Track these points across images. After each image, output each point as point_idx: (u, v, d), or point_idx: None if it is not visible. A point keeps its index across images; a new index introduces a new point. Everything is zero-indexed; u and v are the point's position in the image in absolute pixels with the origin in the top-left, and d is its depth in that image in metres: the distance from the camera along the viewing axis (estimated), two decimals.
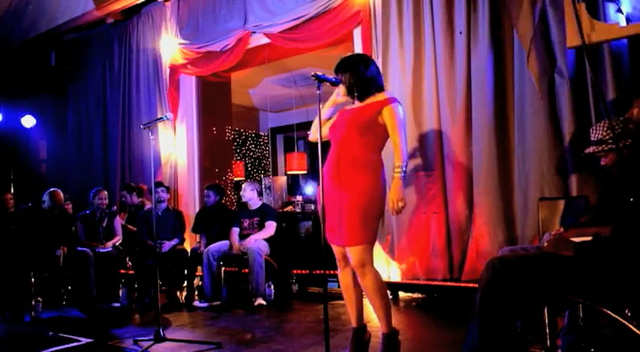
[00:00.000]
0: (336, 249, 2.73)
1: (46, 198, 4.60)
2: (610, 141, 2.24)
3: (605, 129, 2.26)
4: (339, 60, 2.73)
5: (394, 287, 4.39)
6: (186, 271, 5.03)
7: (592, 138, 2.40)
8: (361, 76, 2.65)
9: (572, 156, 3.61)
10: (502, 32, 3.98)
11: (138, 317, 4.32)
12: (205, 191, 5.32)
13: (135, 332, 3.65)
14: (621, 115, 2.44)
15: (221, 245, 4.70)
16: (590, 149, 2.41)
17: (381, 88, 2.71)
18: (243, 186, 4.96)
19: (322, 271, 2.72)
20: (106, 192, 5.21)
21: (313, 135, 2.76)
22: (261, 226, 4.77)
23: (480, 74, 4.02)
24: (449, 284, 4.13)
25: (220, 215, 5.23)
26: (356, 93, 2.67)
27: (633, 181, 2.11)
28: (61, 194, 4.68)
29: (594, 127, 2.39)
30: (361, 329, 2.73)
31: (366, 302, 2.73)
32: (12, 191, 6.74)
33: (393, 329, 2.63)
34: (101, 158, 6.82)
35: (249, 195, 4.87)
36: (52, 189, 4.67)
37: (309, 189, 8.26)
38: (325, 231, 2.67)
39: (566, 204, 3.36)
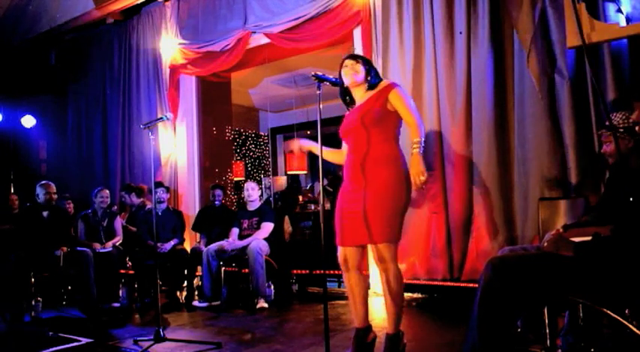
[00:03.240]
0: (341, 252, 2.68)
1: (39, 190, 4.57)
2: (621, 129, 2.24)
3: (621, 119, 2.27)
4: (350, 53, 2.83)
5: None
6: (186, 271, 5.03)
7: (607, 123, 2.40)
8: (372, 67, 2.74)
9: (572, 156, 3.62)
10: (502, 32, 3.98)
11: (138, 317, 4.32)
12: (217, 190, 5.34)
13: (135, 332, 3.64)
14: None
15: (219, 244, 4.69)
16: (601, 131, 2.46)
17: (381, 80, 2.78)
18: (250, 185, 4.92)
19: (322, 271, 2.72)
20: (107, 191, 5.21)
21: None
22: (260, 227, 4.76)
23: (480, 74, 4.02)
24: (449, 284, 4.13)
25: (223, 215, 5.23)
26: (368, 79, 2.69)
27: (633, 181, 2.11)
28: (53, 185, 4.66)
29: (614, 114, 2.39)
30: (364, 330, 2.69)
31: (370, 303, 2.72)
32: (12, 191, 6.74)
33: (399, 331, 2.61)
34: (101, 158, 6.82)
35: (257, 195, 4.86)
36: (42, 182, 4.64)
37: None
38: (337, 232, 2.66)
39: (566, 204, 3.36)
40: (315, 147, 2.72)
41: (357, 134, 2.64)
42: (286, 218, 5.28)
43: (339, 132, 2.78)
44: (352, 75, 2.66)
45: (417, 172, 2.46)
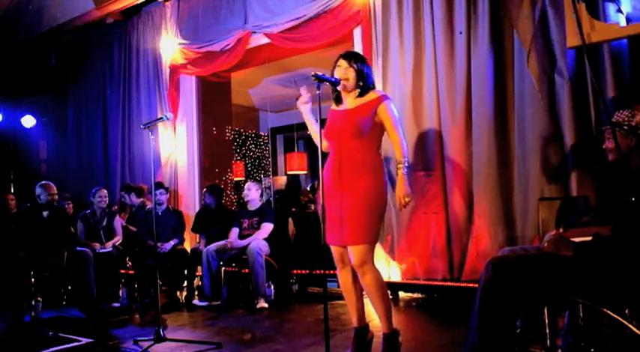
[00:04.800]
0: (334, 250, 2.73)
1: (39, 191, 4.54)
2: (625, 127, 2.23)
3: (627, 116, 2.26)
4: (347, 51, 2.78)
5: (394, 287, 4.39)
6: (186, 271, 5.03)
7: (612, 119, 2.39)
8: (367, 69, 2.71)
9: (572, 156, 3.61)
10: (502, 32, 3.98)
11: (138, 317, 4.32)
12: (205, 193, 5.36)
13: (135, 332, 3.65)
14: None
15: (219, 244, 4.69)
16: (605, 127, 2.44)
17: (373, 86, 2.77)
18: (248, 185, 4.91)
19: (322, 271, 2.73)
20: (105, 191, 5.21)
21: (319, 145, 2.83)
22: (260, 226, 4.76)
23: (480, 74, 4.02)
24: (449, 284, 4.13)
25: (220, 215, 5.23)
26: (360, 85, 2.67)
27: (633, 181, 2.11)
28: (53, 186, 4.65)
29: (620, 111, 2.38)
30: (363, 329, 2.73)
31: (367, 301, 2.74)
32: (12, 191, 6.74)
33: (394, 330, 2.64)
34: (101, 158, 6.82)
35: (254, 195, 4.85)
36: (42, 182, 4.63)
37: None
38: (325, 231, 2.68)
39: (566, 204, 3.36)
40: (308, 115, 2.83)
41: (341, 140, 2.66)
42: (290, 219, 5.28)
43: (324, 132, 2.77)
44: (343, 80, 2.67)
45: (403, 194, 2.57)
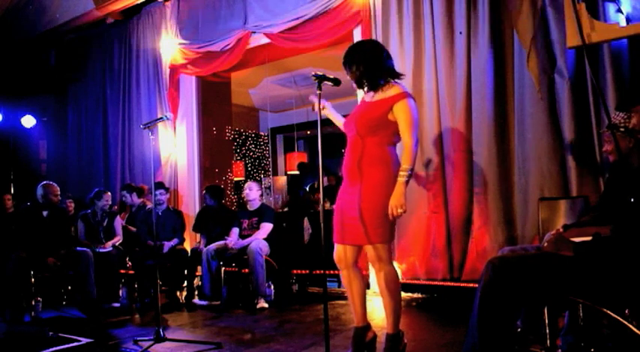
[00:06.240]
0: (339, 249, 2.69)
1: (42, 191, 4.54)
2: (622, 129, 2.23)
3: (623, 118, 2.26)
4: (348, 48, 2.65)
5: None
6: (186, 271, 5.03)
7: (611, 121, 2.39)
8: (371, 65, 2.57)
9: (572, 156, 3.62)
10: (502, 32, 3.99)
11: (138, 317, 4.32)
12: (205, 194, 5.37)
13: (135, 332, 3.65)
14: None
15: (219, 244, 4.69)
16: (603, 130, 2.43)
17: (395, 76, 2.62)
18: (250, 185, 4.89)
19: (322, 271, 2.72)
20: (109, 194, 5.22)
21: None
22: (260, 227, 4.76)
23: (480, 74, 4.02)
24: (449, 284, 4.13)
25: (222, 215, 5.23)
26: (365, 84, 2.62)
27: (633, 181, 2.11)
28: (56, 186, 4.64)
29: (617, 113, 2.38)
30: (364, 329, 2.70)
31: (370, 302, 2.71)
32: (12, 191, 6.74)
33: (399, 331, 2.61)
34: (101, 158, 6.83)
35: (255, 194, 4.85)
36: (44, 182, 4.62)
37: None
38: (335, 229, 2.67)
39: (566, 204, 3.36)
40: (331, 114, 2.85)
41: (355, 134, 2.63)
42: (305, 219, 5.27)
43: (344, 121, 2.77)
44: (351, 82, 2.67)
45: (396, 204, 2.45)
